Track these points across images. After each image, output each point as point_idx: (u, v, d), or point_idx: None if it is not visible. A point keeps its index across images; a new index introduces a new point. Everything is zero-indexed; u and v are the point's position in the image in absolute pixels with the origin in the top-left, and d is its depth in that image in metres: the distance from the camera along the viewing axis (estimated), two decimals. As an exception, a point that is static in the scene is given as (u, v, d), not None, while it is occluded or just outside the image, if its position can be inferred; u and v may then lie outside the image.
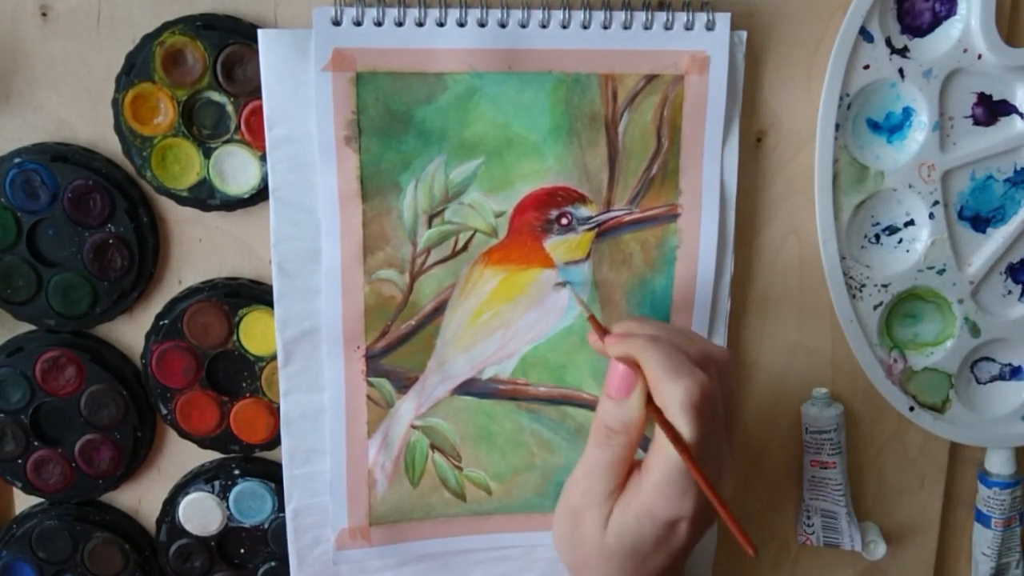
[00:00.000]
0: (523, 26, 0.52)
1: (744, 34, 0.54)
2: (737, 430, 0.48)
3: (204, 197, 0.54)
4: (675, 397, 0.44)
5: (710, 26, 0.53)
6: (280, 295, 0.55)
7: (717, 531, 0.62)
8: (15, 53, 0.53)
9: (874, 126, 0.58)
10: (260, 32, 0.51)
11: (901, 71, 0.56)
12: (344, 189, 0.53)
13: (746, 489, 0.62)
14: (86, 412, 0.57)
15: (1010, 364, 0.63)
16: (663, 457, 0.44)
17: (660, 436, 0.44)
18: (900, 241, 0.59)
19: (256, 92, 0.53)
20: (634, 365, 0.46)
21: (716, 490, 0.44)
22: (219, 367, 0.57)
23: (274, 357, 0.57)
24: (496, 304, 0.56)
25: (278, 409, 0.57)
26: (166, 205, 0.56)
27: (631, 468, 0.47)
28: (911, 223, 0.59)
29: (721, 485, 0.45)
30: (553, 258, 0.55)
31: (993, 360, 0.62)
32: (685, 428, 0.43)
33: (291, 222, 0.54)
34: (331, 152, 0.53)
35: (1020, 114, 0.58)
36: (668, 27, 0.53)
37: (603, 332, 0.49)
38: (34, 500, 0.60)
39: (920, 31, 0.56)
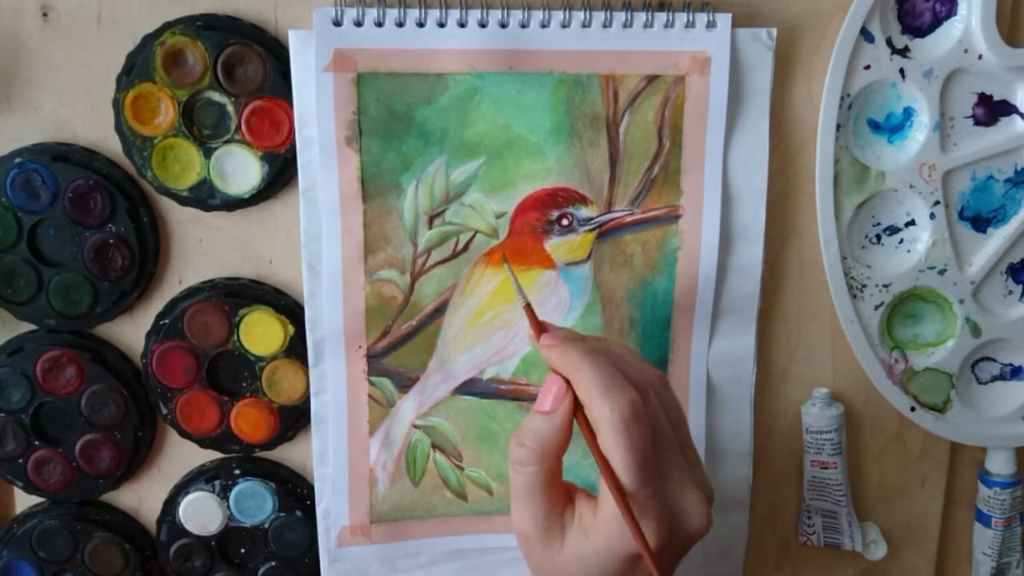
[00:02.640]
0: (524, 26, 0.52)
1: (774, 31, 0.54)
2: (690, 446, 0.47)
3: (204, 197, 0.54)
4: (605, 415, 0.42)
5: (711, 26, 0.53)
6: (310, 295, 0.55)
7: (747, 529, 0.62)
8: (16, 53, 0.53)
9: (875, 126, 0.58)
10: (291, 32, 0.52)
11: (902, 71, 0.56)
12: (345, 189, 0.53)
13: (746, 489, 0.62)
14: (86, 412, 0.57)
15: (1011, 364, 0.63)
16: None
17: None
18: (901, 241, 0.59)
19: (256, 92, 0.53)
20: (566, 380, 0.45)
21: (681, 513, 0.43)
22: (219, 367, 0.57)
23: (274, 357, 0.57)
24: (497, 304, 0.56)
25: (278, 409, 0.58)
26: (166, 205, 0.56)
27: (569, 488, 0.46)
28: (912, 223, 0.59)
29: (682, 505, 0.44)
30: (554, 259, 0.55)
31: (994, 360, 0.62)
32: (616, 447, 0.42)
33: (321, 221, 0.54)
34: (332, 152, 0.53)
35: (1020, 114, 0.58)
36: (669, 26, 0.52)
37: (539, 329, 0.47)
38: (35, 500, 0.60)
39: (921, 31, 0.56)
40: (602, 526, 0.43)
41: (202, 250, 0.56)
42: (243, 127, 0.53)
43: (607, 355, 0.45)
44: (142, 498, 0.60)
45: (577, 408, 0.45)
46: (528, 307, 0.48)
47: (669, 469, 0.44)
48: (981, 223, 0.60)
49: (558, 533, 0.45)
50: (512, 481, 0.45)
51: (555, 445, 0.44)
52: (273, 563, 0.60)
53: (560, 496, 0.45)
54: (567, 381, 0.45)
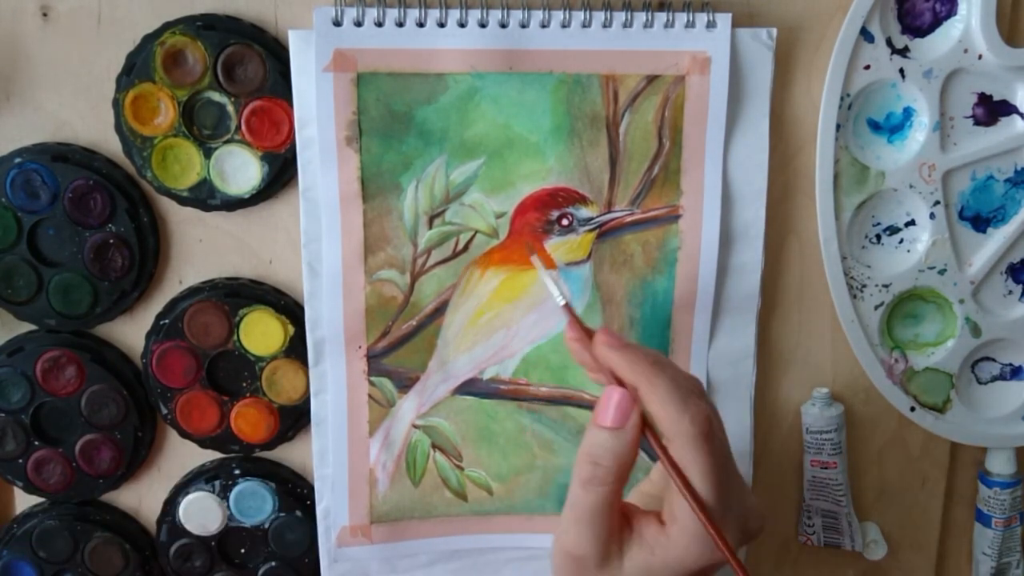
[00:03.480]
0: (524, 26, 0.52)
1: (774, 31, 0.54)
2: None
3: (204, 197, 0.54)
4: (684, 428, 0.40)
5: (711, 26, 0.53)
6: (310, 295, 0.55)
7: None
8: (15, 53, 0.53)
9: (875, 126, 0.58)
10: (291, 32, 0.52)
11: (902, 71, 0.56)
12: (345, 189, 0.53)
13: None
14: (86, 412, 0.57)
15: (1011, 364, 0.63)
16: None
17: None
18: (901, 241, 0.59)
19: (256, 92, 0.53)
20: (631, 389, 0.42)
21: (746, 514, 0.41)
22: (219, 367, 0.57)
23: (274, 357, 0.57)
24: (497, 305, 0.56)
25: (278, 409, 0.58)
26: (166, 205, 0.56)
27: (624, 511, 0.44)
28: (912, 223, 0.59)
29: (745, 508, 0.42)
30: (554, 259, 0.55)
31: (994, 360, 0.62)
32: (696, 461, 0.40)
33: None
34: (332, 152, 0.53)
35: (1020, 114, 0.58)
36: (669, 26, 0.52)
37: (587, 333, 0.45)
38: (35, 500, 0.60)
39: (921, 31, 0.56)
40: (676, 542, 0.41)
41: (202, 250, 0.56)
42: (243, 127, 0.53)
43: (661, 359, 0.43)
44: (142, 498, 0.60)
45: (646, 425, 0.42)
46: (568, 306, 0.46)
47: (734, 477, 0.42)
48: (981, 223, 0.60)
49: (616, 553, 0.42)
50: (577, 501, 0.42)
51: (627, 462, 0.42)
52: (273, 563, 0.60)
53: (620, 516, 0.43)
54: (627, 388, 0.42)
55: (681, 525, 0.41)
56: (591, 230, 0.55)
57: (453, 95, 0.53)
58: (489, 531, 0.60)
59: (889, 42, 0.56)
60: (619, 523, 0.43)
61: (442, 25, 0.51)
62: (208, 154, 0.54)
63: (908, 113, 0.57)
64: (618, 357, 0.43)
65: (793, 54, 0.56)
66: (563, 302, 0.46)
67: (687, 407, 0.40)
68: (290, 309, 0.56)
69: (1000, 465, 0.63)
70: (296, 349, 0.56)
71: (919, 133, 0.57)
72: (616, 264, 0.56)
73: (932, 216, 0.58)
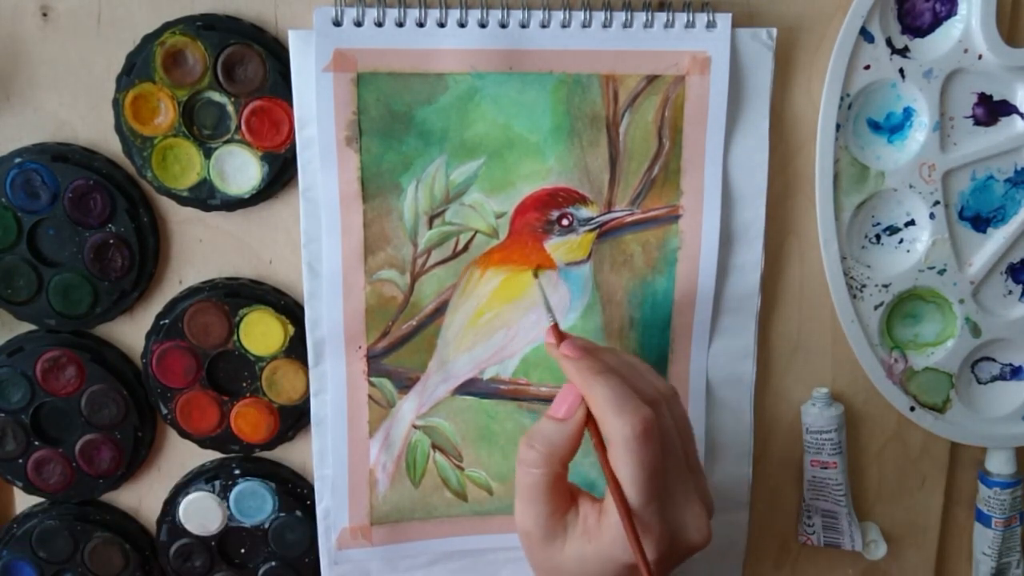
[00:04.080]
0: (524, 26, 0.52)
1: (774, 31, 0.54)
2: (695, 457, 0.47)
3: (204, 197, 0.54)
4: (618, 431, 0.43)
5: (711, 26, 0.53)
6: (310, 295, 0.55)
7: (748, 531, 0.62)
8: (15, 53, 0.53)
9: (875, 126, 0.58)
10: (291, 32, 0.52)
11: (902, 71, 0.56)
12: (345, 189, 0.53)
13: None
14: (86, 412, 0.57)
15: (1011, 364, 0.63)
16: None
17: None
18: (901, 241, 0.59)
19: (256, 92, 0.53)
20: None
21: (683, 527, 0.44)
22: (219, 367, 0.57)
23: (274, 357, 0.57)
24: (497, 305, 0.56)
25: (278, 409, 0.58)
26: (166, 205, 0.56)
27: (573, 490, 0.47)
28: (912, 223, 0.59)
29: (684, 519, 0.45)
30: (554, 259, 0.55)
31: (994, 360, 0.63)
32: (625, 464, 0.43)
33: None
34: (332, 152, 0.53)
35: (1020, 114, 0.58)
36: (669, 26, 0.53)
37: (559, 337, 0.48)
38: (35, 500, 0.60)
39: (921, 31, 0.56)
40: (605, 533, 0.44)
41: (202, 250, 0.56)
42: (243, 127, 0.53)
43: (621, 368, 0.46)
44: (142, 498, 0.60)
45: (591, 421, 0.46)
46: (555, 327, 0.49)
47: (674, 483, 0.45)
48: (981, 223, 0.60)
49: (560, 533, 0.45)
50: (517, 480, 0.46)
51: (563, 451, 0.45)
52: (273, 563, 0.60)
53: (564, 498, 0.46)
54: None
55: (610, 520, 0.44)
56: (591, 230, 0.55)
57: (453, 95, 0.53)
58: (489, 531, 0.60)
59: (889, 42, 0.56)
60: (565, 505, 0.46)
61: (442, 25, 0.51)
62: (208, 154, 0.54)
63: (908, 113, 0.57)
64: (570, 365, 0.46)
65: (793, 54, 0.56)
66: (552, 322, 0.50)
67: (623, 412, 0.43)
68: (290, 309, 0.56)
69: (1000, 465, 0.64)
70: (296, 349, 0.56)
71: (919, 133, 0.57)
72: (616, 264, 0.56)
73: (932, 216, 0.58)
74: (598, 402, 0.44)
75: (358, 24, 0.51)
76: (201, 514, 0.59)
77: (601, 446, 0.45)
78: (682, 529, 0.45)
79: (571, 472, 0.58)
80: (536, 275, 0.55)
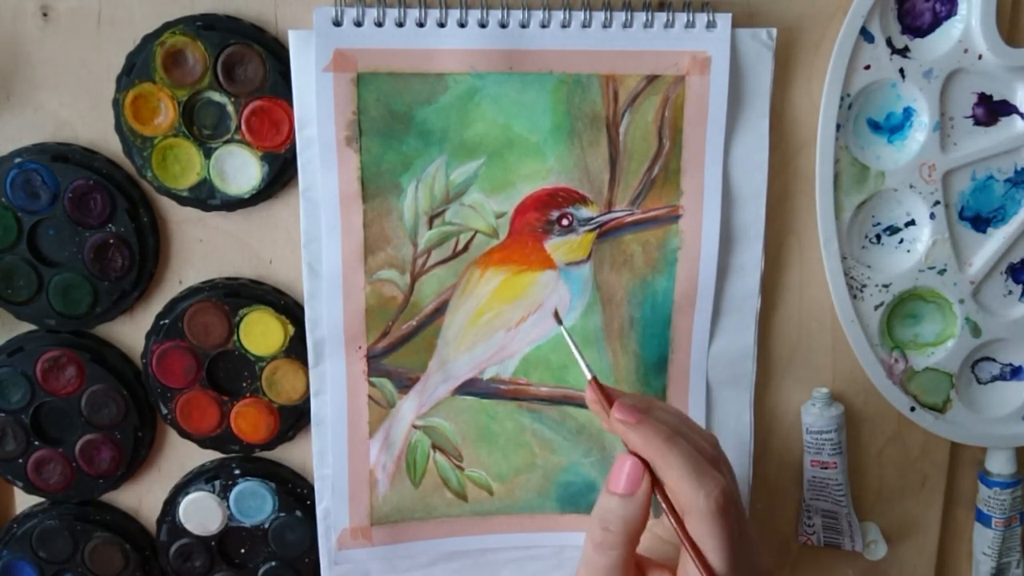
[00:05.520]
0: (524, 26, 0.52)
1: (774, 31, 0.54)
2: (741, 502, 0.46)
3: (204, 197, 0.54)
4: (700, 504, 0.41)
5: (711, 26, 0.53)
6: (310, 295, 0.55)
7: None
8: (15, 53, 0.53)
9: (875, 126, 0.58)
10: (291, 32, 0.52)
11: (902, 71, 0.56)
12: (345, 189, 0.53)
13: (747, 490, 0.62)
14: (86, 412, 0.57)
15: (1011, 364, 0.63)
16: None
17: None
18: (901, 241, 0.59)
19: (256, 92, 0.53)
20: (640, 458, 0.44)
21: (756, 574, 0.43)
22: (219, 367, 0.57)
23: (274, 357, 0.57)
24: (497, 305, 0.56)
25: (278, 409, 0.58)
26: (166, 205, 0.56)
27: (639, 563, 0.46)
28: (912, 223, 0.59)
29: (757, 566, 0.44)
30: (554, 259, 0.55)
31: (994, 360, 0.62)
32: (710, 536, 0.41)
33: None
34: (332, 152, 0.53)
35: (1020, 114, 0.58)
36: (669, 26, 0.53)
37: (608, 399, 0.46)
38: (35, 500, 0.60)
39: (921, 31, 0.56)
40: None
41: (202, 250, 0.56)
42: (243, 127, 0.53)
43: (680, 427, 0.45)
44: (142, 498, 0.60)
45: (657, 485, 0.44)
46: (594, 380, 0.47)
47: (745, 538, 0.44)
48: (981, 223, 0.60)
49: None
50: (590, 563, 0.44)
51: (638, 527, 0.44)
52: (273, 563, 0.60)
53: (633, 573, 0.45)
54: (643, 460, 0.44)
55: None
56: (591, 230, 0.55)
57: (453, 95, 0.53)
58: (489, 531, 0.60)
59: (889, 42, 0.56)
60: None
61: (442, 25, 0.51)
62: (208, 154, 0.54)
63: (908, 113, 0.57)
64: (632, 434, 0.44)
65: (793, 54, 0.56)
66: (590, 376, 0.47)
67: (702, 483, 0.42)
68: (290, 309, 0.56)
69: (1000, 465, 0.64)
70: (296, 349, 0.56)
71: (919, 133, 0.57)
72: (616, 264, 0.56)
73: (932, 216, 0.58)
74: (673, 474, 0.42)
75: (358, 24, 0.51)
76: (201, 514, 0.59)
77: (676, 516, 0.43)
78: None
79: (569, 472, 0.58)
80: (559, 320, 0.53)
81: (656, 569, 0.45)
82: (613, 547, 0.44)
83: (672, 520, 0.43)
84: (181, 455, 0.59)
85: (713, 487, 0.42)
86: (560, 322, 0.52)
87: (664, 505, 0.44)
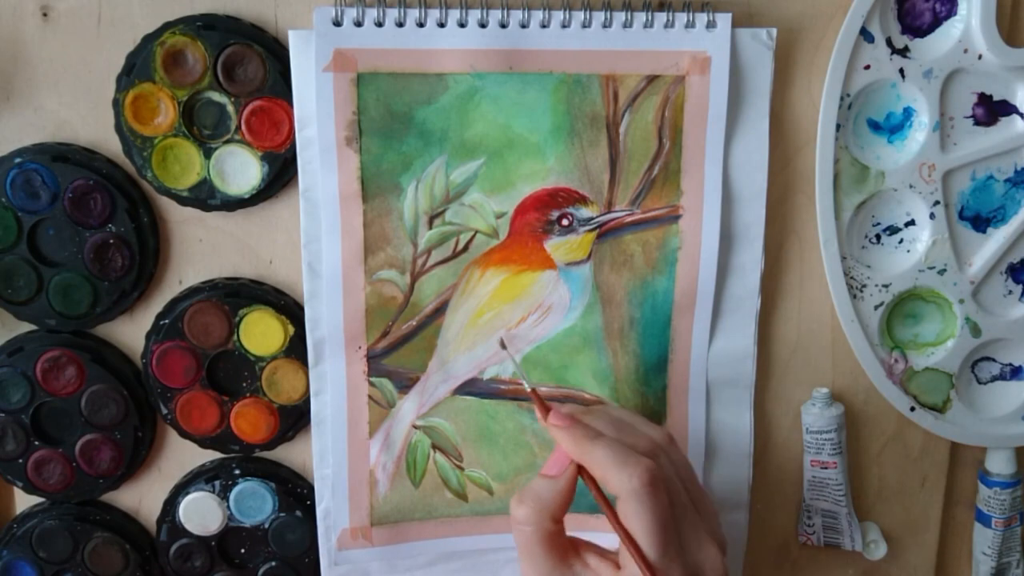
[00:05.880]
0: (524, 26, 0.52)
1: (774, 31, 0.54)
2: (702, 498, 0.48)
3: (204, 197, 0.54)
4: (624, 486, 0.44)
5: (711, 26, 0.53)
6: (310, 295, 0.55)
7: (748, 531, 0.62)
8: (15, 53, 0.53)
9: (875, 126, 0.58)
10: (291, 32, 0.52)
11: (902, 71, 0.56)
12: (345, 190, 0.53)
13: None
14: (86, 412, 0.57)
15: (1011, 364, 0.63)
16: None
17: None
18: (901, 241, 0.59)
19: (256, 92, 0.53)
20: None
21: (699, 570, 0.45)
22: (219, 367, 0.57)
23: (274, 357, 0.57)
24: (497, 305, 0.56)
25: (278, 409, 0.58)
26: (166, 205, 0.56)
27: (577, 545, 0.47)
28: (912, 223, 0.59)
29: (699, 561, 0.45)
30: (554, 259, 0.55)
31: (994, 360, 0.63)
32: (637, 516, 0.43)
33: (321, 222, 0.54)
34: (332, 152, 0.53)
35: (1020, 114, 0.58)
36: (669, 26, 0.52)
37: (544, 409, 0.49)
38: (35, 500, 0.60)
39: (920, 31, 0.56)
40: None
41: (202, 250, 0.56)
42: (243, 127, 0.53)
43: (613, 427, 0.47)
44: (142, 498, 0.60)
45: (590, 481, 0.46)
46: (534, 391, 0.50)
47: (685, 528, 0.45)
48: (981, 223, 0.60)
49: None
50: (514, 537, 0.47)
51: (554, 507, 0.46)
52: (273, 563, 0.60)
53: (565, 552, 0.47)
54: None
55: (628, 573, 0.44)
56: (591, 230, 0.55)
57: (453, 95, 0.53)
58: (489, 531, 0.60)
59: (889, 42, 0.56)
60: (567, 558, 0.47)
61: (442, 25, 0.51)
62: (208, 154, 0.54)
63: (908, 113, 0.57)
64: (563, 435, 0.47)
65: (793, 54, 0.56)
66: (529, 388, 0.51)
67: (626, 465, 0.44)
68: (290, 309, 0.56)
69: (1000, 465, 0.64)
70: (296, 349, 0.56)
71: (919, 133, 0.57)
72: (616, 264, 0.56)
73: (932, 216, 0.58)
74: (599, 463, 0.45)
75: (358, 24, 0.51)
76: (201, 514, 0.59)
77: (606, 504, 0.45)
78: (699, 572, 0.45)
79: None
80: (503, 346, 0.55)
81: (601, 557, 0.47)
82: (525, 522, 0.46)
83: (599, 503, 0.46)
84: (181, 455, 0.59)
85: (636, 469, 0.44)
86: (504, 347, 0.55)
87: (596, 498, 0.46)
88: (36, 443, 0.57)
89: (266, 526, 0.60)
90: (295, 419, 0.58)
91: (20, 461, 0.57)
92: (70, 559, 0.59)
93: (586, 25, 0.52)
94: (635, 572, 0.43)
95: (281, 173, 0.54)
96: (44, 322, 0.56)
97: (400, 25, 0.51)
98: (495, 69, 0.52)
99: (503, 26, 0.52)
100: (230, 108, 0.53)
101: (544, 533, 0.46)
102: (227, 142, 0.54)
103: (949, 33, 0.56)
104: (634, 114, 0.54)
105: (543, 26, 0.52)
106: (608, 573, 0.45)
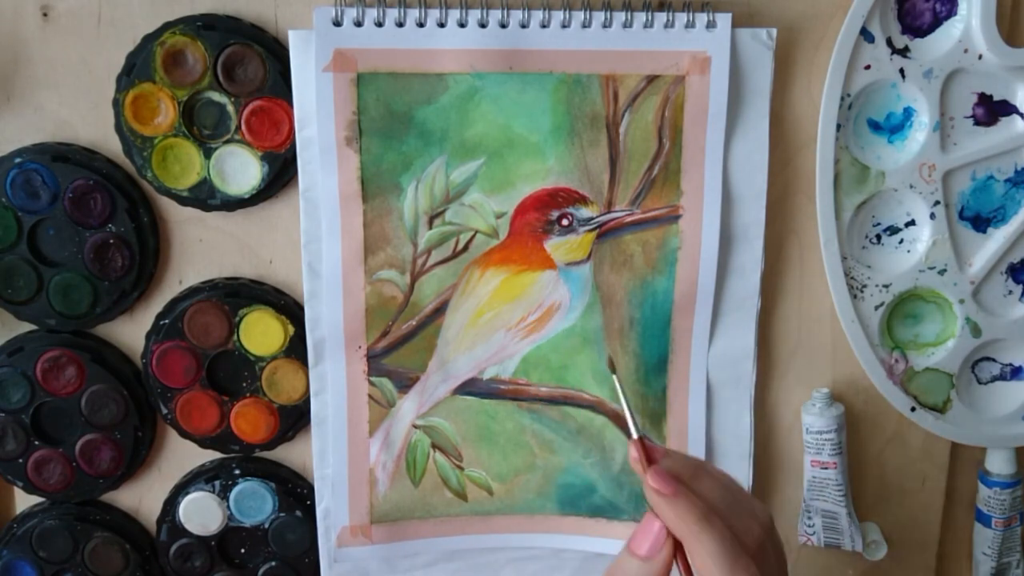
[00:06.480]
0: (524, 26, 0.52)
1: (774, 31, 0.54)
2: None
3: (204, 197, 0.54)
4: None
5: (711, 26, 0.53)
6: (310, 295, 0.55)
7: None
8: (16, 53, 0.53)
9: (875, 126, 0.58)
10: (291, 32, 0.52)
11: (902, 71, 0.56)
12: (345, 189, 0.53)
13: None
14: (87, 412, 0.57)
15: (1011, 364, 0.63)
16: None
17: None
18: (901, 241, 0.59)
19: (256, 92, 0.53)
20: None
21: None
22: (219, 367, 0.57)
23: (274, 357, 0.57)
24: (497, 304, 0.56)
25: (278, 409, 0.58)
26: (167, 205, 0.56)
27: None
28: (912, 223, 0.59)
29: None
30: (554, 259, 0.55)
31: (994, 360, 0.62)
32: None
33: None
34: (332, 152, 0.53)
35: (1020, 114, 0.58)
36: (669, 26, 0.52)
37: (649, 459, 0.43)
38: (35, 500, 0.60)
39: (921, 31, 0.56)
40: None
41: (202, 250, 0.56)
42: (243, 127, 0.53)
43: (723, 503, 0.42)
44: (142, 498, 0.60)
45: (681, 555, 0.42)
46: (640, 441, 0.44)
47: None
48: (981, 223, 0.60)
49: None
50: None
51: None
52: (273, 563, 0.60)
53: None
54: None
55: None
56: (591, 230, 0.55)
57: (453, 95, 0.53)
58: (489, 531, 0.60)
59: (889, 42, 0.56)
60: None
61: (442, 25, 0.51)
62: (208, 154, 0.54)
63: (908, 113, 0.57)
64: (667, 507, 0.42)
65: (793, 54, 0.56)
66: (637, 436, 0.44)
67: (735, 569, 0.40)
68: (290, 309, 0.56)
69: (1000, 465, 0.64)
70: (296, 349, 0.56)
71: (919, 133, 0.57)
72: (616, 264, 0.56)
73: (932, 216, 0.58)
74: (702, 556, 0.40)
75: (358, 24, 0.51)
76: (201, 514, 0.59)
77: None
78: None
79: (569, 473, 0.58)
80: (614, 370, 0.48)
81: None
82: None
83: None
84: (181, 455, 0.59)
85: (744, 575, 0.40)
86: (614, 371, 0.48)
87: (683, 573, 0.42)
88: (36, 443, 0.57)
89: (266, 526, 0.60)
90: (295, 419, 0.58)
91: (20, 461, 0.57)
92: (70, 559, 0.59)
93: (586, 25, 0.52)
94: None
95: (281, 173, 0.54)
96: (44, 322, 0.56)
97: (400, 25, 0.51)
98: (495, 69, 0.52)
99: (503, 26, 0.52)
100: (230, 108, 0.53)
101: None
102: (227, 142, 0.54)
103: (949, 33, 0.56)
104: (634, 114, 0.54)
105: (543, 26, 0.52)
106: None
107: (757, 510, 0.44)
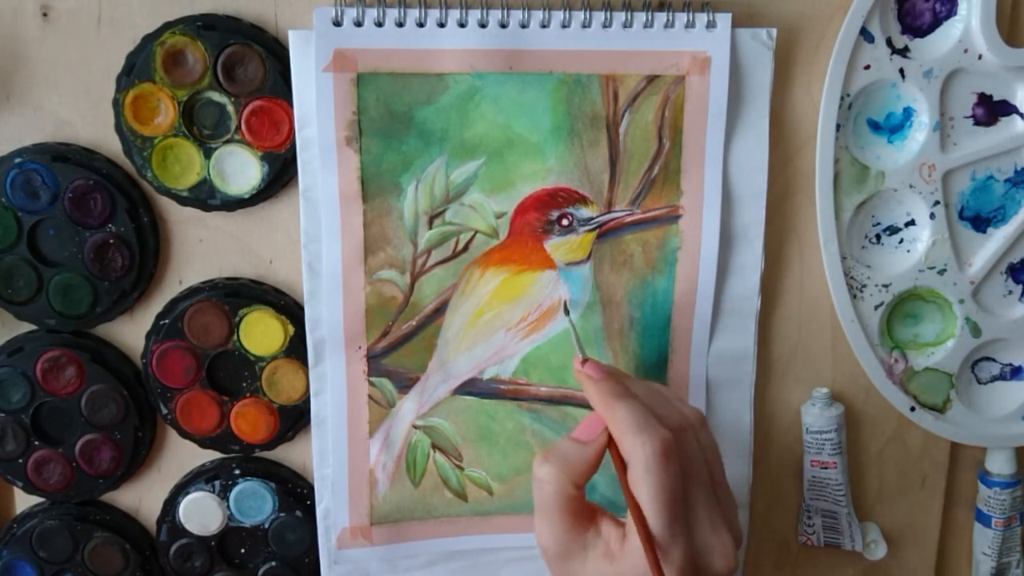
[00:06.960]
0: (524, 26, 0.52)
1: (774, 31, 0.54)
2: (724, 485, 0.47)
3: (205, 197, 0.54)
4: (637, 452, 0.43)
5: (711, 26, 0.53)
6: (310, 295, 0.55)
7: (748, 531, 0.62)
8: (15, 53, 0.53)
9: (875, 126, 0.58)
10: (291, 32, 0.52)
11: (902, 71, 0.56)
12: (345, 190, 0.53)
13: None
14: (86, 412, 0.57)
15: (1011, 364, 0.63)
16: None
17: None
18: (901, 241, 0.59)
19: (256, 92, 0.53)
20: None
21: (707, 553, 0.44)
22: (219, 367, 0.57)
23: (274, 357, 0.57)
24: (497, 304, 0.56)
25: (278, 409, 0.58)
26: (167, 205, 0.56)
27: (595, 511, 0.47)
28: (912, 223, 0.59)
29: (708, 546, 0.44)
30: (554, 259, 0.55)
31: (994, 360, 0.62)
32: (644, 484, 0.43)
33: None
34: (332, 152, 0.53)
35: (1020, 114, 0.58)
36: (669, 26, 0.52)
37: (583, 360, 0.49)
38: (35, 500, 0.60)
39: (921, 31, 0.56)
40: (627, 557, 0.44)
41: (202, 250, 0.56)
42: (243, 127, 0.53)
43: (646, 394, 0.47)
44: (142, 498, 0.60)
45: (612, 445, 0.46)
46: (585, 359, 0.50)
47: (699, 509, 0.45)
48: (981, 223, 0.60)
49: (578, 553, 0.45)
50: (533, 495, 0.46)
51: (577, 471, 0.46)
52: (273, 563, 0.60)
53: (582, 518, 0.46)
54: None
55: (632, 543, 0.44)
56: (591, 230, 0.55)
57: (453, 95, 0.53)
58: (489, 531, 0.60)
59: (889, 42, 0.56)
60: (584, 524, 0.46)
61: (442, 25, 0.51)
62: (208, 154, 0.54)
63: (908, 113, 0.57)
64: (591, 387, 0.47)
65: (793, 54, 0.56)
66: (583, 357, 0.50)
67: (642, 433, 0.43)
68: (290, 309, 0.56)
69: (1000, 465, 0.64)
70: (296, 349, 0.56)
71: (919, 133, 0.57)
72: (616, 264, 0.56)
73: (932, 216, 0.58)
74: (618, 423, 0.45)
75: (358, 24, 0.51)
76: (201, 514, 0.59)
77: (623, 470, 0.45)
78: (707, 555, 0.44)
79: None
80: (567, 311, 0.55)
81: (612, 523, 0.46)
82: (547, 481, 0.45)
83: (618, 473, 0.45)
84: (181, 455, 0.59)
85: (652, 437, 0.43)
86: (568, 312, 0.55)
87: (613, 459, 0.46)
88: (36, 443, 0.57)
89: (266, 526, 0.60)
90: (295, 419, 0.58)
91: (20, 461, 0.57)
92: (70, 559, 0.59)
93: (586, 25, 0.52)
94: (638, 543, 0.43)
95: (281, 173, 0.54)
96: (44, 322, 0.56)
97: (400, 25, 0.51)
98: (495, 69, 0.52)
99: (503, 26, 0.52)
100: (230, 108, 0.53)
101: (564, 496, 0.45)
102: (227, 142, 0.54)
103: (949, 33, 0.56)
104: (634, 114, 0.54)
105: (543, 26, 0.52)
106: (616, 542, 0.45)
107: (684, 406, 0.48)
